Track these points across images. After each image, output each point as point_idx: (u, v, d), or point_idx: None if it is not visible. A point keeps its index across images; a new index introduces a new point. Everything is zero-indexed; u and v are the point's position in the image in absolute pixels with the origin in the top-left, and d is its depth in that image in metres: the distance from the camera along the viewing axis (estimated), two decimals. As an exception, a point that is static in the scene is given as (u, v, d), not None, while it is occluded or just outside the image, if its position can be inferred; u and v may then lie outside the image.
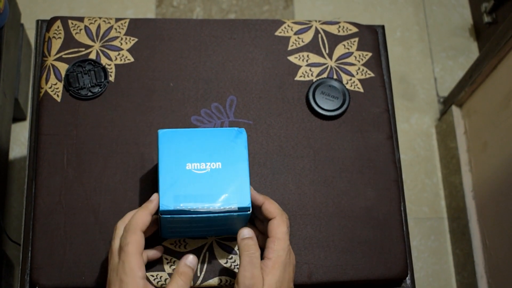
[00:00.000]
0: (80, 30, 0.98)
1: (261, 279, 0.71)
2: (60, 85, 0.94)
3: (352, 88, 0.99)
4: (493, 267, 1.54)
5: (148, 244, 0.81)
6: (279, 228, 0.75)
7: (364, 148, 0.95)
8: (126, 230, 0.72)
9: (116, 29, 0.99)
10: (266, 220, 0.78)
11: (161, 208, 0.73)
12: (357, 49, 1.02)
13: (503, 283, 1.49)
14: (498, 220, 1.51)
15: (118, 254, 0.72)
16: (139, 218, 0.72)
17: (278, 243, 0.74)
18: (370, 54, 1.02)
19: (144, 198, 0.89)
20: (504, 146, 1.48)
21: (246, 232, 0.74)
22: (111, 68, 0.96)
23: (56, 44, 0.97)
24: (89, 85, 0.94)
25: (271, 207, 0.77)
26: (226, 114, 0.95)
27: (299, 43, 1.01)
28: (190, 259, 0.73)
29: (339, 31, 1.02)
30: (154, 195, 0.76)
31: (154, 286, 0.83)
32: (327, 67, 1.00)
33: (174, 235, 0.84)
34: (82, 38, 0.98)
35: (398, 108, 1.81)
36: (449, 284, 1.70)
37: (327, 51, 1.01)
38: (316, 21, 1.03)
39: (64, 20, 0.99)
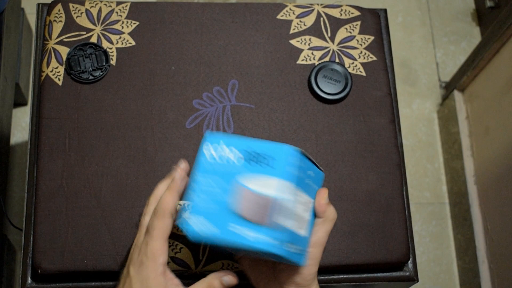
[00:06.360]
0: (81, 13, 0.98)
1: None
2: (61, 69, 0.94)
3: (354, 72, 0.98)
4: (495, 252, 1.54)
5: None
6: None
7: (366, 132, 0.95)
8: (155, 213, 0.70)
9: (117, 12, 0.98)
10: None
11: (189, 236, 0.67)
12: (359, 33, 1.01)
13: (505, 268, 1.49)
14: (500, 205, 1.51)
15: (145, 234, 0.71)
16: (168, 202, 0.70)
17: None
18: (372, 38, 1.01)
19: (146, 182, 0.89)
20: (506, 130, 1.48)
21: (326, 198, 0.73)
22: (112, 52, 0.96)
23: (57, 28, 0.96)
24: (91, 69, 0.94)
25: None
26: (228, 98, 0.95)
27: (301, 27, 1.00)
28: (227, 279, 0.72)
29: (341, 14, 1.02)
30: (178, 173, 0.73)
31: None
32: (329, 51, 0.99)
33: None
34: (83, 21, 0.97)
35: (399, 93, 1.81)
36: (450, 269, 1.70)
37: (329, 34, 1.00)
38: (318, 4, 1.03)
39: (65, 3, 0.98)
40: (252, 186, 0.66)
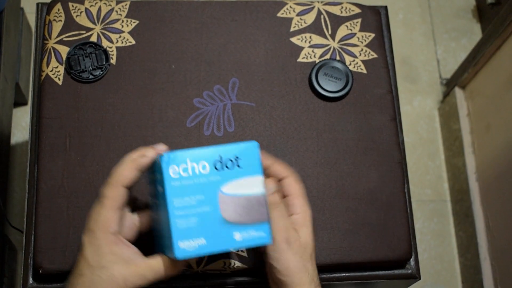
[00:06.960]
0: (81, 12, 0.97)
1: (293, 230, 0.72)
2: (61, 68, 0.94)
3: (355, 69, 0.98)
4: (497, 249, 1.54)
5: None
6: (297, 184, 0.75)
7: (367, 129, 0.95)
8: (108, 182, 0.69)
9: (117, 11, 0.98)
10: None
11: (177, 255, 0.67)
12: (360, 30, 1.01)
13: (506, 264, 1.49)
14: (502, 201, 1.50)
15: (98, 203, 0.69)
16: (122, 174, 0.69)
17: (302, 198, 0.75)
18: (373, 35, 1.01)
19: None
20: (507, 127, 1.47)
21: (272, 187, 0.71)
22: (112, 51, 0.95)
23: (57, 27, 0.96)
24: (91, 68, 0.93)
25: (281, 167, 0.75)
26: (228, 96, 0.95)
27: (301, 24, 1.00)
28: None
29: (341, 12, 1.02)
30: (149, 151, 0.70)
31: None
32: (329, 48, 0.99)
33: None
34: (83, 20, 0.97)
35: (400, 90, 1.79)
36: (452, 266, 1.70)
37: (329, 32, 1.00)
38: (318, 1, 1.03)
39: (64, 2, 0.98)
40: (237, 192, 0.68)
